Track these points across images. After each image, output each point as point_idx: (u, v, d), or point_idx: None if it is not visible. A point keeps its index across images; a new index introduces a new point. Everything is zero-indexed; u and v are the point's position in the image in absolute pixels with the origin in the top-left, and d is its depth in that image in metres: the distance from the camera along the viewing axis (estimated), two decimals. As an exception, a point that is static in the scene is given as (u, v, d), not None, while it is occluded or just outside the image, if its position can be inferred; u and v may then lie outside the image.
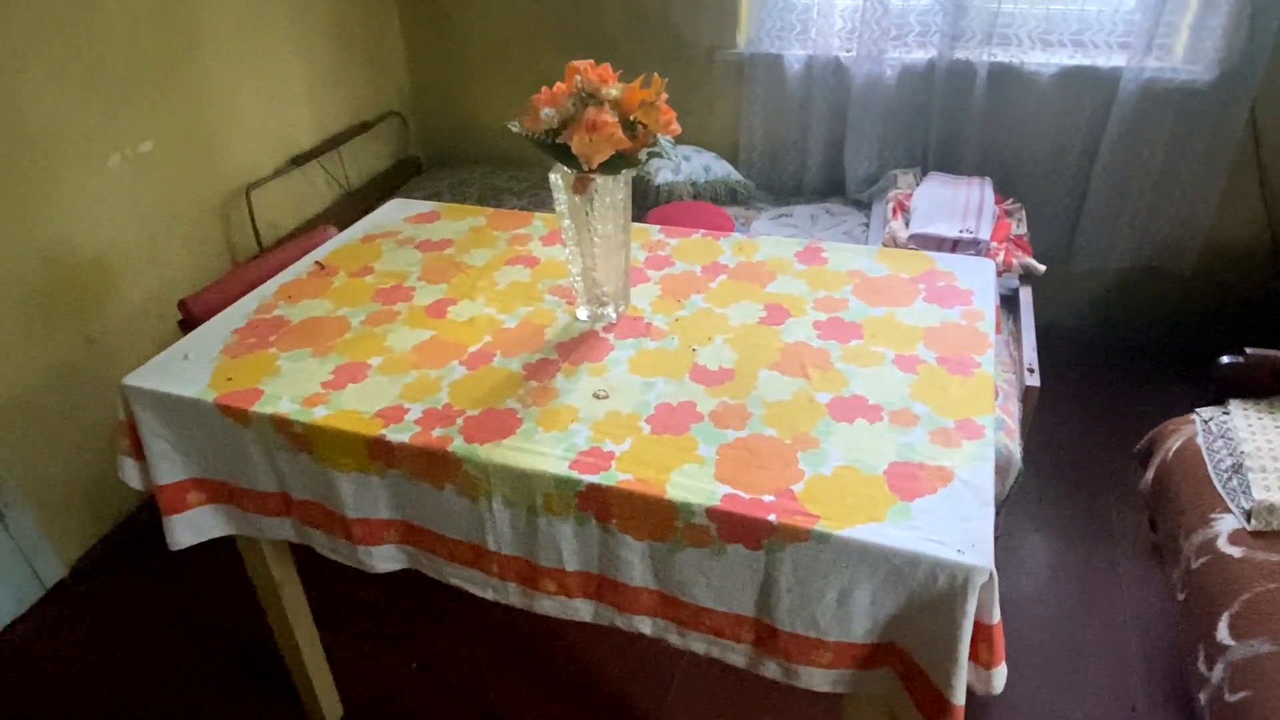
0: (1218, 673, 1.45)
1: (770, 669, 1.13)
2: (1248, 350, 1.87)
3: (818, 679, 1.10)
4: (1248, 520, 1.60)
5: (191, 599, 2.14)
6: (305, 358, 1.36)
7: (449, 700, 1.87)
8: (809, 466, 1.08)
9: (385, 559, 1.31)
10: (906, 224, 2.38)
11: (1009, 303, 2.24)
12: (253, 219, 2.56)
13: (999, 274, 2.23)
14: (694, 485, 1.06)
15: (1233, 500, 1.66)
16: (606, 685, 1.88)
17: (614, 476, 1.08)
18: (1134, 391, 2.62)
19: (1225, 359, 1.88)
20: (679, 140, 2.88)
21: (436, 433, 1.17)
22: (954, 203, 2.38)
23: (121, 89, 2.15)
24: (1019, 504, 2.24)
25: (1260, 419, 1.78)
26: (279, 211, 2.70)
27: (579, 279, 1.40)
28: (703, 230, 1.72)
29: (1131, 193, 2.52)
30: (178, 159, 2.34)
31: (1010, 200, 2.50)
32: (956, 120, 2.60)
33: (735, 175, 2.77)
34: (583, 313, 1.43)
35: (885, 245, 2.32)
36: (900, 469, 1.07)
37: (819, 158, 2.80)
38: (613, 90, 1.22)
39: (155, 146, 2.27)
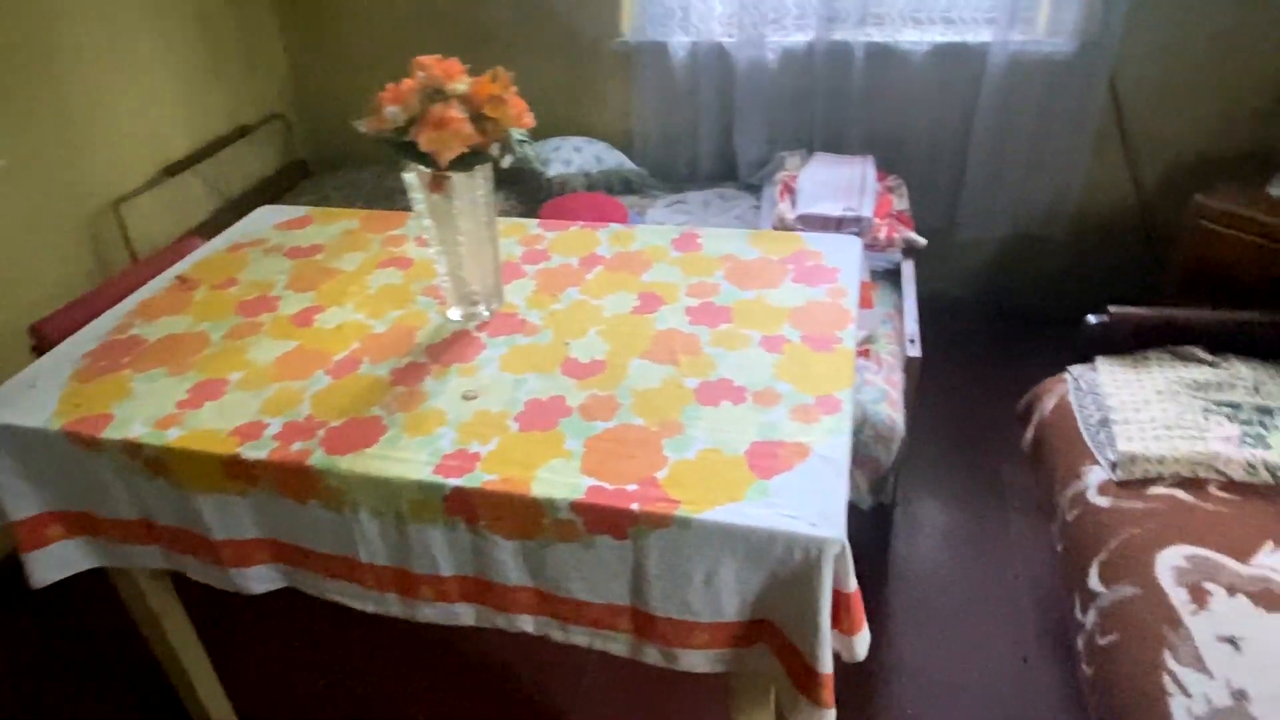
0: (1090, 618, 1.53)
1: (651, 655, 1.13)
2: (1111, 309, 1.96)
3: (697, 660, 1.11)
4: (1113, 471, 1.68)
5: (81, 631, 2.04)
6: (161, 378, 1.31)
7: (358, 715, 1.83)
8: (673, 452, 1.09)
9: (260, 580, 1.27)
10: (794, 205, 2.42)
11: (893, 277, 2.30)
12: (125, 235, 2.44)
13: (882, 249, 2.29)
14: (560, 480, 1.06)
15: (1100, 453, 1.74)
16: (519, 681, 1.87)
17: (479, 478, 1.07)
18: (1017, 354, 2.73)
19: (1092, 318, 1.98)
20: (572, 131, 2.87)
21: (296, 447, 1.14)
22: (837, 182, 2.43)
23: (-38, 103, 2.02)
24: (915, 470, 2.31)
25: (1124, 374, 1.87)
26: (155, 225, 2.58)
27: (447, 279, 1.38)
28: (582, 222, 1.71)
29: (1007, 163, 2.61)
30: (36, 175, 2.22)
31: (892, 176, 2.57)
32: (839, 100, 2.66)
33: (629, 165, 2.78)
34: (455, 313, 1.41)
35: (775, 227, 2.36)
36: (761, 448, 1.09)
37: (710, 144, 2.82)
38: (460, 85, 1.20)
39: (9, 163, 2.14)
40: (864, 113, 2.65)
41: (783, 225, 2.34)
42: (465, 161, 1.21)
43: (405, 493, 1.09)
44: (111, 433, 1.19)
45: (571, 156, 2.68)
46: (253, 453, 1.14)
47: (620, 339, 1.33)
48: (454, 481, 1.07)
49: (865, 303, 1.61)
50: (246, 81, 2.97)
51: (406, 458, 1.11)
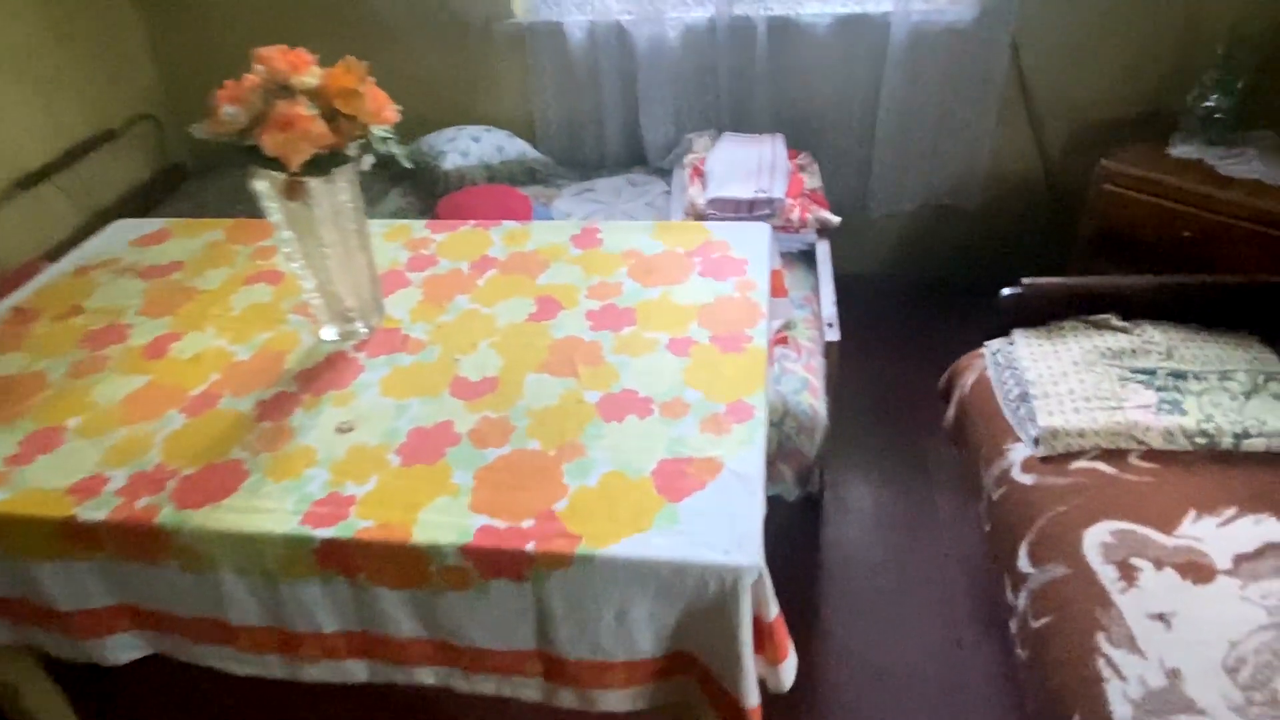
0: (1022, 600, 1.49)
1: (566, 698, 1.03)
2: (1024, 281, 1.93)
3: (616, 701, 1.02)
4: (1036, 446, 1.65)
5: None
6: (-19, 436, 1.14)
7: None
8: (574, 479, 0.99)
9: (121, 649, 1.12)
10: (704, 189, 2.33)
11: (808, 258, 2.24)
12: (-29, 257, 2.20)
13: (796, 230, 2.22)
14: (446, 521, 0.94)
15: (1022, 429, 1.71)
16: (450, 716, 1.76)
17: (352, 526, 0.95)
18: (936, 329, 2.71)
19: (1006, 291, 1.95)
20: (468, 120, 2.71)
21: (142, 503, 1.00)
22: (748, 163, 2.34)
23: None
24: (841, 453, 2.27)
25: (1040, 346, 1.85)
26: (9, 245, 2.33)
27: (316, 296, 1.24)
28: (474, 221, 1.58)
29: (915, 134, 2.58)
30: None
31: (802, 154, 2.50)
32: (744, 78, 2.57)
33: (532, 153, 2.64)
34: (328, 332, 1.27)
35: (686, 213, 2.26)
36: (669, 467, 0.99)
37: (616, 127, 2.71)
38: (308, 79, 1.06)
39: None
40: (770, 89, 2.57)
41: (694, 211, 2.25)
42: (320, 165, 1.07)
43: (269, 548, 0.96)
44: (-79, 500, 1.02)
45: (469, 147, 2.53)
46: (91, 513, 0.99)
47: (514, 351, 1.22)
48: (324, 532, 0.94)
49: (778, 291, 1.53)
50: (109, 81, 2.71)
51: (270, 507, 0.98)
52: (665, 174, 2.64)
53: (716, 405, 1.08)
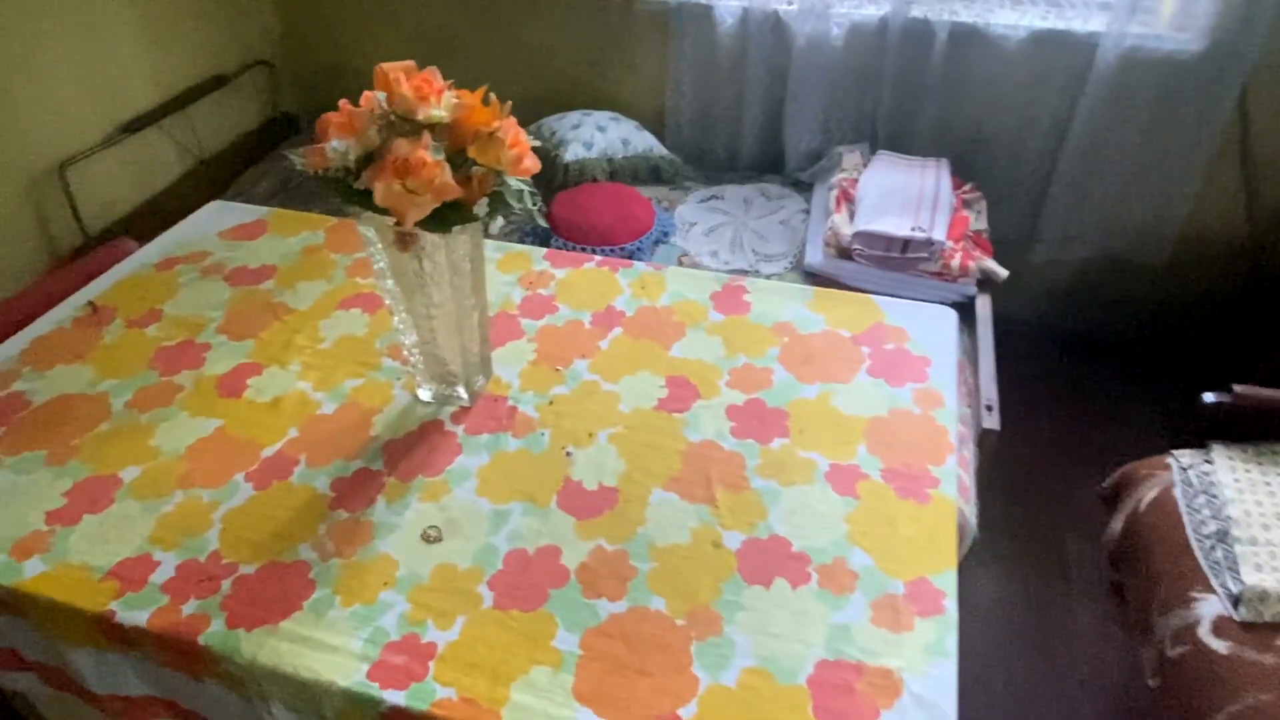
0: (1199, 798, 1.23)
1: None
2: (1235, 388, 1.61)
3: None
4: (1235, 606, 1.36)
5: None
6: (36, 467, 0.99)
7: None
8: (707, 669, 0.78)
9: (157, 736, 0.97)
10: (851, 217, 2.05)
11: (963, 312, 1.95)
12: (71, 203, 2.10)
13: (953, 278, 1.93)
14: (542, 710, 0.75)
15: (1217, 577, 1.42)
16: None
17: (429, 693, 0.76)
18: (1097, 401, 2.38)
19: (1209, 397, 1.63)
20: (596, 105, 2.48)
21: (190, 608, 0.83)
22: (906, 192, 2.05)
23: None
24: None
25: (1248, 472, 1.54)
26: (114, 189, 2.24)
27: (416, 353, 1.05)
28: (599, 258, 1.36)
29: (1104, 174, 2.22)
30: (-42, 133, 1.88)
31: (969, 187, 2.18)
32: (911, 89, 2.25)
33: (659, 150, 2.39)
34: (426, 392, 1.09)
35: (826, 243, 1.99)
36: (829, 674, 0.77)
37: (756, 128, 2.43)
38: (438, 111, 0.85)
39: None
40: (939, 106, 2.25)
41: (836, 242, 1.98)
42: (440, 219, 0.86)
43: (329, 699, 0.78)
44: (-49, 557, 0.89)
45: (594, 137, 2.30)
46: (131, 614, 0.83)
47: (639, 452, 1.00)
48: (394, 696, 0.76)
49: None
50: (226, 24, 2.57)
51: (335, 644, 0.80)
52: (801, 188, 2.36)
53: (893, 583, 0.85)
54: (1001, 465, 2.12)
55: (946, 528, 0.91)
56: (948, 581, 0.85)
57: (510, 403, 1.08)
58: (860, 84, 2.30)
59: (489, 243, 1.38)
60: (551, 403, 1.08)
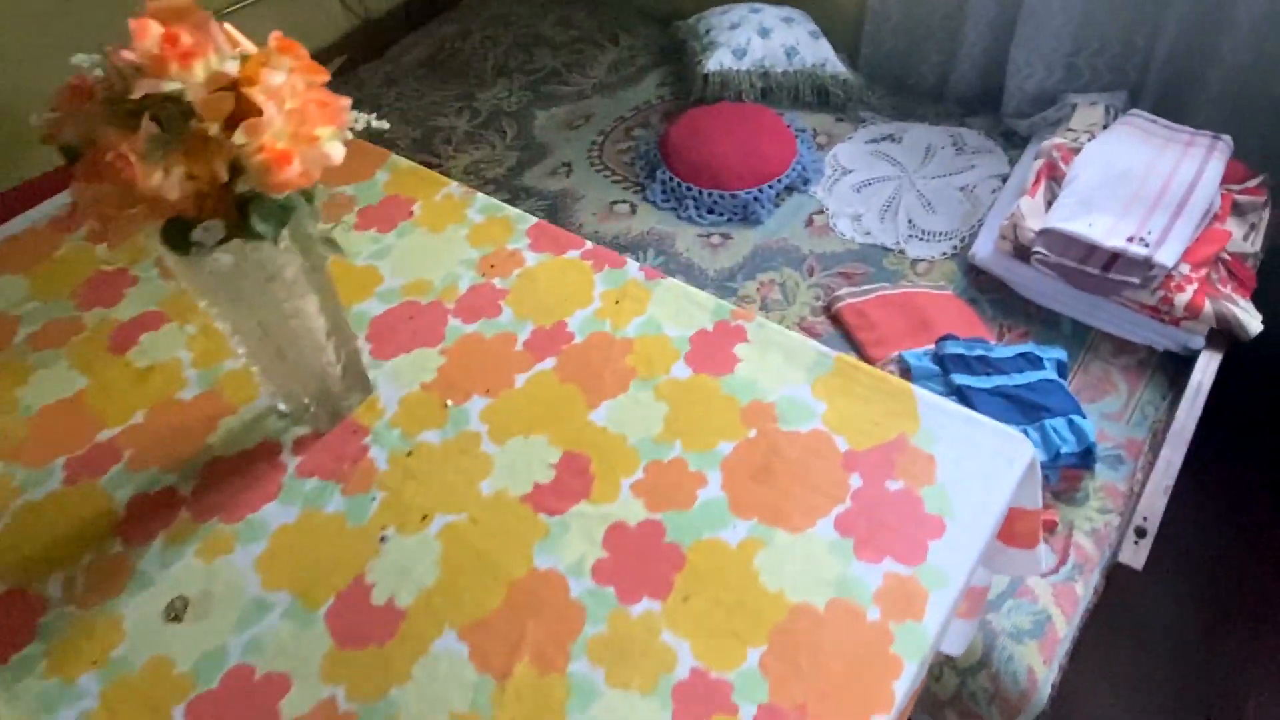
0: None
1: None
2: None
3: None
4: None
5: None
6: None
7: None
8: None
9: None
10: (1050, 204, 1.50)
11: (1176, 366, 1.38)
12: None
13: (1174, 320, 1.38)
14: None
15: None
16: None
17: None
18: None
19: None
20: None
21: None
22: (1141, 179, 1.44)
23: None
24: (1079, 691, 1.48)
25: None
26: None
27: (257, 373, 0.85)
28: (586, 248, 1.04)
29: None
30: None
31: (1255, 183, 1.50)
32: (1210, 23, 1.55)
33: (833, 66, 1.89)
34: (283, 403, 0.90)
35: (1001, 234, 1.48)
36: None
37: (976, 50, 1.84)
38: (174, 84, 0.59)
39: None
40: (1252, 53, 1.54)
41: (1013, 235, 1.45)
42: (180, 234, 0.63)
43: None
44: None
45: (750, 43, 1.85)
46: None
47: (462, 566, 0.75)
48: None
49: (1022, 537, 0.85)
50: None
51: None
52: (1014, 142, 1.78)
53: None
54: (1129, 612, 1.55)
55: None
56: None
57: (366, 441, 0.86)
58: (1134, 8, 1.63)
59: (478, 196, 1.12)
60: (411, 453, 0.85)
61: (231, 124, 0.61)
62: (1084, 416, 1.25)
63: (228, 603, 0.74)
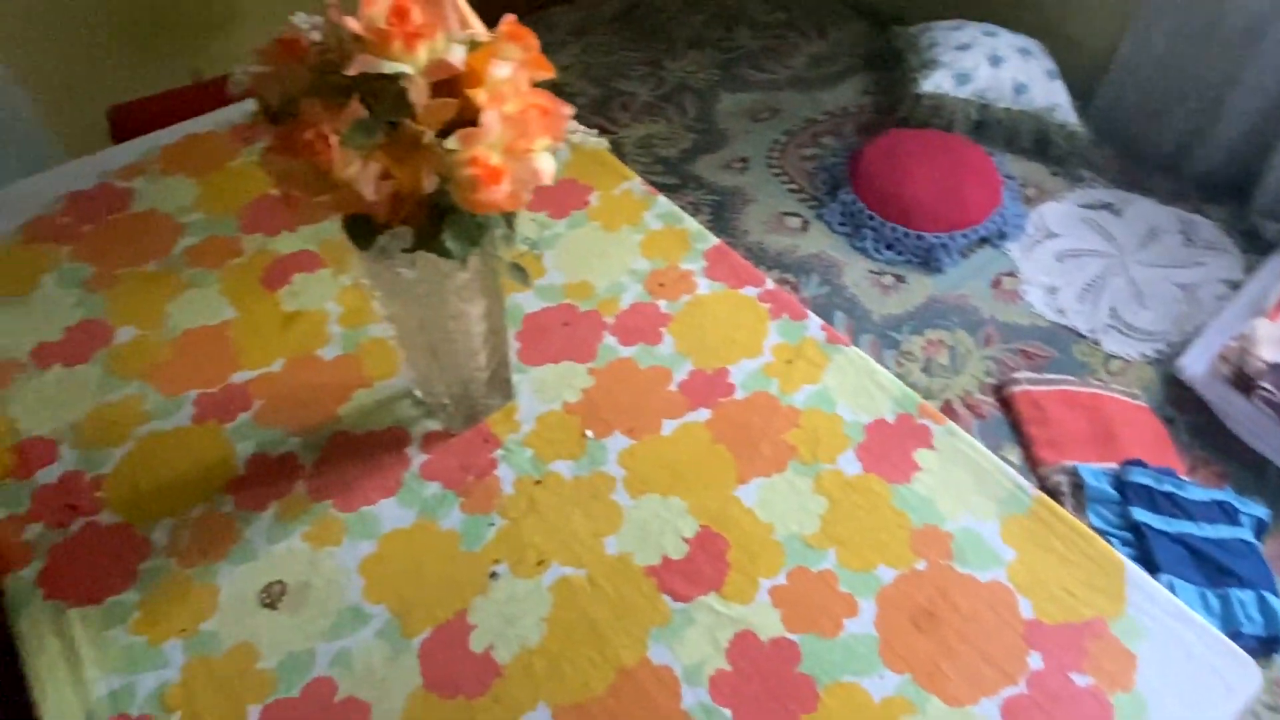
0: None
1: None
2: None
3: None
4: None
5: None
6: (75, 283, 0.95)
7: None
8: None
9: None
10: (1291, 333, 1.29)
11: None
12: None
13: None
14: None
15: None
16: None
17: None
18: None
19: None
20: (1020, 20, 1.80)
21: (29, 533, 0.74)
22: None
23: None
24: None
25: None
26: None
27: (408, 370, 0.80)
28: (767, 288, 0.94)
29: None
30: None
31: None
32: None
33: (1064, 114, 1.68)
34: (419, 392, 0.84)
35: (1223, 356, 1.29)
36: None
37: (1236, 128, 1.61)
38: (395, 65, 0.52)
39: None
40: None
41: (1238, 360, 1.27)
42: (365, 232, 0.57)
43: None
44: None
45: (976, 68, 1.67)
46: (-9, 505, 0.76)
47: (570, 632, 0.69)
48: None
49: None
50: None
51: (85, 676, 0.66)
52: (1256, 246, 1.55)
53: None
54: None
55: None
56: None
57: (495, 455, 0.80)
58: None
59: (659, 199, 1.03)
60: (539, 482, 0.78)
61: (446, 126, 0.54)
62: (1277, 595, 1.08)
63: (325, 602, 0.70)
